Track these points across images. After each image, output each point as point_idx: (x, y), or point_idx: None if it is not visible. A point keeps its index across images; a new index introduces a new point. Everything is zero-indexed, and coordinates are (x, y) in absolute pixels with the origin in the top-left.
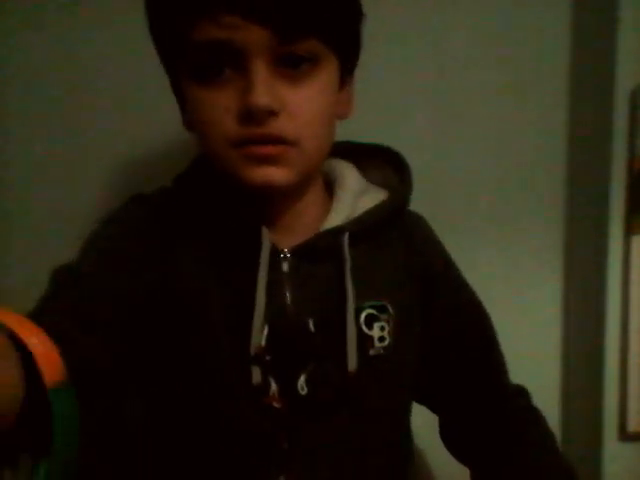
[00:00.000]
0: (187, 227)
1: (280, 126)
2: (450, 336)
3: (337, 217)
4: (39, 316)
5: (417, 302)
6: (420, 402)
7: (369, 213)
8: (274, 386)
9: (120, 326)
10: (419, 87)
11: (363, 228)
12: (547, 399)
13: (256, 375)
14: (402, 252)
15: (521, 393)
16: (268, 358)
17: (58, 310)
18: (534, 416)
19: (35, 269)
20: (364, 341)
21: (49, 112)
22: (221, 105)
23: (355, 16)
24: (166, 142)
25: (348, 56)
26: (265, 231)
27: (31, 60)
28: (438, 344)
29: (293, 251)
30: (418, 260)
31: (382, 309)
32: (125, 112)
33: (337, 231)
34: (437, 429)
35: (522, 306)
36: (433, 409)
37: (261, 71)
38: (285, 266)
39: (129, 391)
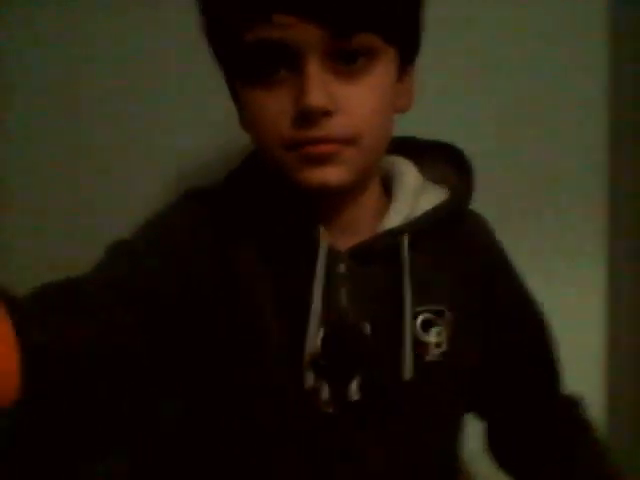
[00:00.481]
0: (240, 225)
1: (335, 126)
2: (508, 343)
3: (396, 217)
4: (79, 283)
5: (476, 307)
6: (469, 408)
7: (429, 214)
8: (326, 391)
9: (159, 311)
10: (460, 85)
11: (423, 229)
12: (591, 404)
13: (309, 379)
14: (462, 255)
15: (575, 404)
16: (322, 362)
17: (100, 279)
18: (585, 428)
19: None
20: (420, 347)
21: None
22: (275, 106)
23: (414, 5)
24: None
25: (407, 46)
26: (322, 231)
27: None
28: (495, 351)
29: (350, 252)
30: (478, 264)
31: (440, 314)
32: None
33: (396, 232)
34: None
35: (564, 304)
36: (481, 415)
37: (315, 70)
38: (342, 267)
39: (166, 390)
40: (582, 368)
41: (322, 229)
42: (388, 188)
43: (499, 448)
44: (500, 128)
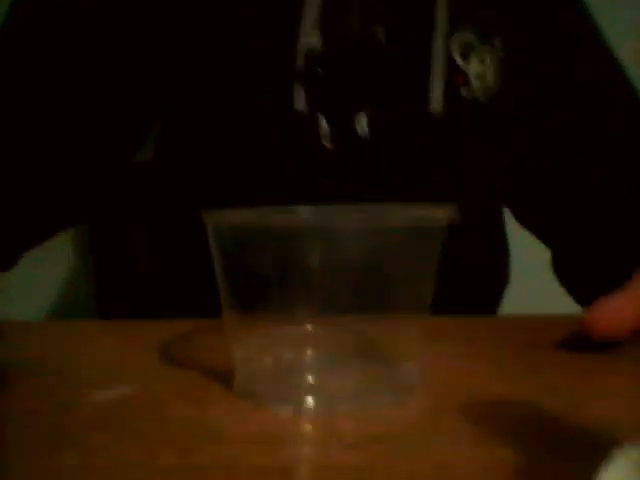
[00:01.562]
0: None
1: None
2: (570, 98)
3: None
4: None
5: (532, 42)
6: (524, 220)
7: None
8: (323, 120)
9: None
10: None
11: None
12: None
13: (299, 99)
14: None
15: None
16: (318, 74)
17: None
18: None
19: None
20: (455, 75)
21: None
22: None
23: None
24: None
25: None
26: None
27: None
28: (552, 107)
29: None
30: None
31: (485, 38)
32: None
33: None
34: None
35: None
36: (542, 232)
37: None
38: None
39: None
40: None
41: None
42: None
43: (565, 270)
44: None
